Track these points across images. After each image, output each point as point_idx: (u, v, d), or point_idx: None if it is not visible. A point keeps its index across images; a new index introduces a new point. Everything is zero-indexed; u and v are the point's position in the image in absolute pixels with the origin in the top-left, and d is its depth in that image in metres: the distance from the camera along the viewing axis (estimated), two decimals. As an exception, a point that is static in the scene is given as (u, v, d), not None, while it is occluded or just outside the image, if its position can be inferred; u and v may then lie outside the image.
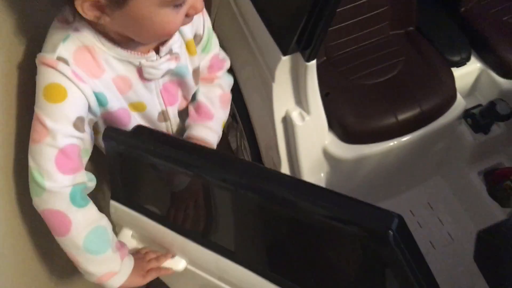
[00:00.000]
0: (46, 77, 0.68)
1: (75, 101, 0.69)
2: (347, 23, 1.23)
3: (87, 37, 0.69)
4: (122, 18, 0.64)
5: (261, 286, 0.74)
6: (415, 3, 1.27)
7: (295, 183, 0.68)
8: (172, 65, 0.77)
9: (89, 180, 0.76)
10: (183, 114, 0.94)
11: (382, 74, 1.23)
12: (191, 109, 0.92)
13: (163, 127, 0.89)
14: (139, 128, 0.79)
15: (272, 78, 1.06)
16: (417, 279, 0.58)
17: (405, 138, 1.19)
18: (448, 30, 1.31)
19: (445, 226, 1.41)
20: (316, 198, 0.62)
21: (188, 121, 0.92)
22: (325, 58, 1.27)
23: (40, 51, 0.70)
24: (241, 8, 1.16)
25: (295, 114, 1.11)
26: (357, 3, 1.21)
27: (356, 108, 1.18)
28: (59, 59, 0.67)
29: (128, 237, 0.91)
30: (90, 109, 0.73)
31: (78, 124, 0.70)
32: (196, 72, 0.86)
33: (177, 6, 0.65)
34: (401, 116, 1.16)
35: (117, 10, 0.63)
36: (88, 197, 0.76)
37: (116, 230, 0.91)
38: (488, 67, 1.29)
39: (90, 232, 0.74)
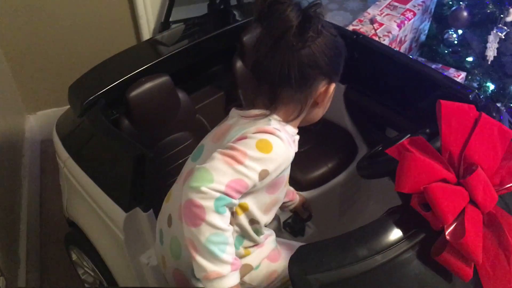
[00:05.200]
0: (261, 136, 0.90)
1: (276, 157, 0.90)
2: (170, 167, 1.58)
3: (281, 122, 0.97)
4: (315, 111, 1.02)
5: None
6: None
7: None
8: None
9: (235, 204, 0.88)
10: None
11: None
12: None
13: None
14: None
15: (121, 233, 1.31)
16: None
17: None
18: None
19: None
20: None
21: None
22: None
23: None
24: (85, 188, 1.44)
25: (148, 257, 1.36)
26: (173, 151, 1.59)
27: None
28: (275, 129, 0.93)
29: None
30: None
31: (262, 174, 0.89)
32: None
33: None
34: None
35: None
36: (227, 209, 0.86)
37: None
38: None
39: (213, 234, 0.84)
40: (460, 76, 2.16)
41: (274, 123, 0.95)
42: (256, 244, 1.10)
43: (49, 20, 2.14)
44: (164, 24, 2.26)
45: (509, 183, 1.02)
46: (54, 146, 1.55)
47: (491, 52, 1.91)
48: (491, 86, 2.19)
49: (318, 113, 1.03)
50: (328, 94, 0.98)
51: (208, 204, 0.83)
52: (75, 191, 1.52)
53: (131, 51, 1.67)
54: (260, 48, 0.93)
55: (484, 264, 0.95)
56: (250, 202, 1.00)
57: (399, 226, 0.98)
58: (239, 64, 1.69)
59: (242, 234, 1.05)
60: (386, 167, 1.22)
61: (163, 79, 1.49)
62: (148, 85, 1.46)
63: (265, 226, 1.12)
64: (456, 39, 2.30)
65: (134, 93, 1.44)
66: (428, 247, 0.96)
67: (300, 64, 0.91)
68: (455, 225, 0.93)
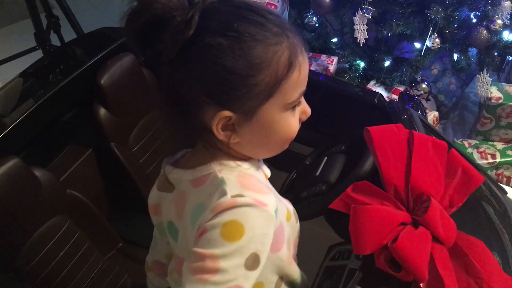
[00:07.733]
0: (223, 218, 0.64)
1: (254, 234, 0.64)
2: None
3: (233, 166, 0.70)
4: (251, 132, 0.68)
5: None
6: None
7: None
8: None
9: None
10: None
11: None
12: None
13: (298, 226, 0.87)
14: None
15: None
16: None
17: None
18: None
19: None
20: None
21: None
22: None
23: None
24: None
25: None
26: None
27: None
28: (235, 197, 0.65)
29: None
30: None
31: (251, 262, 0.64)
32: None
33: (293, 108, 0.69)
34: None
35: (245, 125, 0.67)
36: None
37: None
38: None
39: None
40: (333, 62, 2.10)
41: (229, 178, 0.69)
42: None
43: None
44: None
45: (459, 202, 0.92)
46: None
47: (361, 35, 1.85)
48: (362, 64, 2.18)
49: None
50: None
51: None
52: None
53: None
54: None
55: (460, 300, 0.85)
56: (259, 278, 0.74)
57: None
58: (102, 112, 1.38)
59: None
60: (316, 207, 1.06)
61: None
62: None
63: None
64: (316, 22, 2.23)
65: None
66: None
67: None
68: (430, 276, 0.81)
